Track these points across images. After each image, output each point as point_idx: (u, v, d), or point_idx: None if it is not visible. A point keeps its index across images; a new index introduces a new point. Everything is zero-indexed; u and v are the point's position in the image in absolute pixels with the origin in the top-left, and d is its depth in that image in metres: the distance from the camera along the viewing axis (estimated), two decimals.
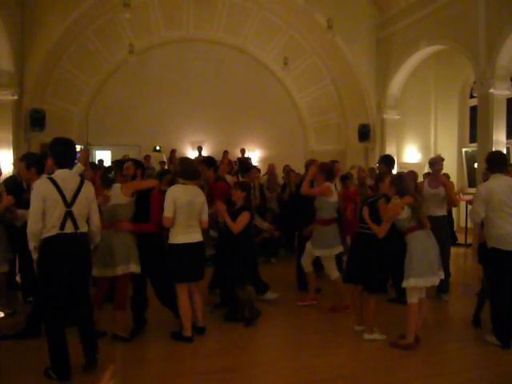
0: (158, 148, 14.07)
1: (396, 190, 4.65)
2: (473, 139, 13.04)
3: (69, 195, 3.80)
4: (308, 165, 6.48)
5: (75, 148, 4.05)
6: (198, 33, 14.74)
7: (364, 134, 13.98)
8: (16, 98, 11.56)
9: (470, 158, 13.03)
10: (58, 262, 3.75)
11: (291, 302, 6.16)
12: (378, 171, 6.61)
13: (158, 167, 11.90)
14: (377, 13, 13.80)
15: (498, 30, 9.91)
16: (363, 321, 4.99)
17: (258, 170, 10.40)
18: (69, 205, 3.78)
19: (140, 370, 4.20)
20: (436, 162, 6.33)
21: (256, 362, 4.45)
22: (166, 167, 11.77)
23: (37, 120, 12.09)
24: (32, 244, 3.76)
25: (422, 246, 4.50)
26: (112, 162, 7.01)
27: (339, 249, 5.83)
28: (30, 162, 4.89)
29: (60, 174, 3.84)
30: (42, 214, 3.72)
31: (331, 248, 5.74)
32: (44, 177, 4.01)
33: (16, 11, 11.44)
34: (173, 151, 13.63)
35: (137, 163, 5.28)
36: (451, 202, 6.29)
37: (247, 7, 14.23)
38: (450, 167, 13.00)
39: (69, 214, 3.78)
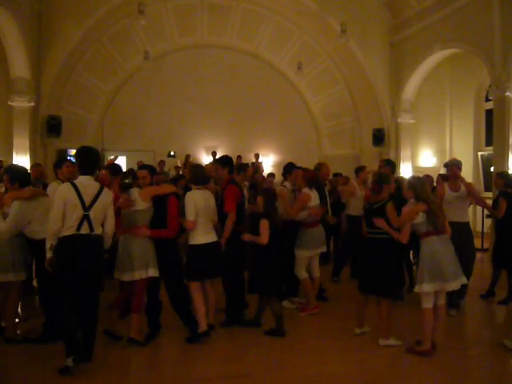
0: (172, 153, 14.17)
1: (414, 194, 4.59)
2: (489, 143, 12.89)
3: (88, 200, 4.13)
4: (317, 169, 6.56)
5: (98, 156, 4.50)
6: (212, 38, 14.83)
7: (378, 138, 13.90)
8: (33, 104, 11.75)
9: (486, 162, 12.88)
10: (73, 259, 4.07)
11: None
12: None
13: (172, 172, 11.98)
14: (390, 16, 13.75)
15: None
16: (363, 323, 5.04)
17: (272, 175, 10.43)
18: (86, 209, 4.11)
19: (153, 373, 4.22)
20: (448, 166, 6.27)
21: (269, 367, 4.42)
22: (180, 172, 11.84)
23: (53, 126, 12.26)
24: (49, 242, 4.08)
25: (433, 250, 4.46)
26: (128, 170, 7.06)
27: (319, 250, 6.01)
28: (13, 176, 4.83)
29: (81, 180, 4.20)
30: (62, 216, 4.06)
31: (311, 249, 5.89)
32: (67, 182, 4.30)
33: (33, 19, 11.63)
34: (187, 156, 13.72)
35: (151, 170, 5.26)
36: (478, 200, 6.34)
37: (260, 13, 14.29)
38: (465, 171, 12.75)
39: (86, 217, 4.11)
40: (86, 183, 4.19)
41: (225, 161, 5.59)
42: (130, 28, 13.46)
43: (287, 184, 6.43)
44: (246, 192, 7.18)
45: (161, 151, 13.85)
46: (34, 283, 6.24)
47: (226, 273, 5.31)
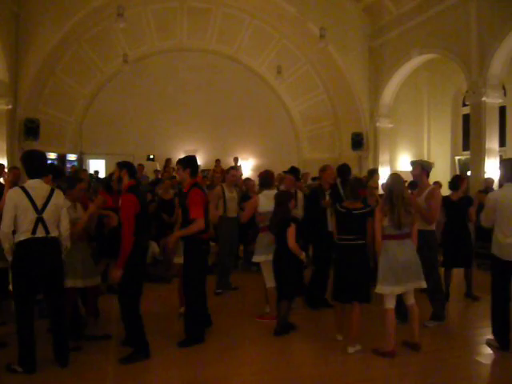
0: (151, 157, 14.07)
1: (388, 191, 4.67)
2: (466, 147, 13.15)
3: (39, 203, 4.16)
4: (322, 170, 6.41)
5: (45, 160, 4.59)
6: (192, 42, 14.81)
7: (357, 142, 14.04)
8: (10, 107, 11.53)
9: (463, 166, 13.13)
10: (30, 262, 4.11)
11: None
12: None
13: (152, 176, 11.91)
14: (369, 22, 13.92)
15: (490, 38, 10.03)
16: (343, 329, 4.95)
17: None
18: (39, 211, 4.14)
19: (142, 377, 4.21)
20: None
21: (252, 371, 4.39)
22: (159, 176, 11.77)
23: (31, 129, 12.05)
24: (6, 245, 4.13)
25: (391, 253, 4.53)
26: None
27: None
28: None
29: (31, 184, 4.23)
30: (13, 220, 4.09)
31: (265, 254, 5.63)
32: (17, 187, 4.33)
33: (11, 21, 11.44)
34: (168, 160, 13.63)
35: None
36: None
37: (240, 17, 14.31)
38: (443, 175, 13.12)
39: (40, 220, 4.15)
40: (36, 186, 4.22)
41: (186, 161, 5.03)
42: (109, 31, 13.33)
43: (283, 187, 6.37)
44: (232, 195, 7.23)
45: (140, 155, 13.73)
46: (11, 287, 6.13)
47: (187, 284, 5.00)
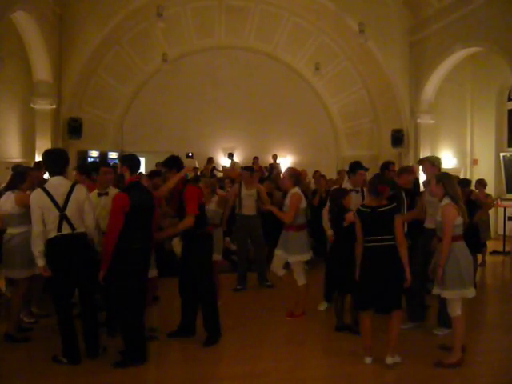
0: (190, 154, 14.24)
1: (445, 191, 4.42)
2: (511, 143, 12.70)
3: (60, 200, 4.24)
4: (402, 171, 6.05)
5: (66, 157, 4.52)
6: (230, 40, 14.88)
7: (397, 139, 13.76)
8: (54, 107, 11.93)
9: (509, 163, 12.68)
10: (60, 259, 4.25)
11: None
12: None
13: (190, 174, 12.05)
14: (409, 16, 13.60)
15: None
16: (371, 350, 4.48)
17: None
18: (61, 209, 4.23)
19: (159, 372, 4.29)
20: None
21: (279, 368, 4.42)
22: (198, 173, 11.90)
23: (74, 128, 12.42)
24: (36, 249, 4.22)
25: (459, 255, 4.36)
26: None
27: (310, 254, 5.90)
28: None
29: (52, 182, 4.35)
30: (41, 220, 4.21)
31: (303, 254, 5.78)
32: (38, 188, 4.39)
33: (54, 23, 11.82)
34: (209, 159, 13.90)
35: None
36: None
37: (278, 13, 14.28)
38: (487, 172, 12.73)
39: (63, 217, 4.23)
40: (56, 183, 4.31)
41: (171, 162, 5.03)
42: (148, 31, 13.57)
43: (348, 184, 6.13)
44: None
45: (179, 152, 13.84)
46: None
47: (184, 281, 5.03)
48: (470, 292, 4.34)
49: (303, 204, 5.81)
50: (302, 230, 5.79)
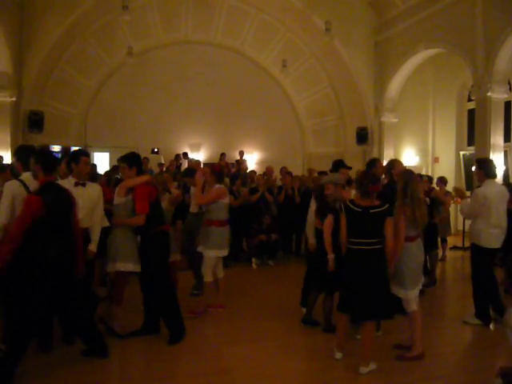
0: (156, 150, 14.08)
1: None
2: (471, 142, 13.09)
3: None
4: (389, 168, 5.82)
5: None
6: (197, 35, 14.76)
7: (362, 136, 13.99)
8: (14, 99, 11.57)
9: (468, 161, 13.06)
10: None
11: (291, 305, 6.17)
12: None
13: (156, 169, 11.92)
14: (375, 16, 13.82)
15: (496, 33, 9.93)
16: (343, 347, 4.48)
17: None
18: None
19: (133, 369, 4.22)
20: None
21: (242, 366, 4.43)
22: (164, 169, 11.78)
23: (35, 122, 12.08)
24: None
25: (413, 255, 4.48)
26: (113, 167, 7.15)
27: (227, 251, 5.90)
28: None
29: (27, 176, 4.36)
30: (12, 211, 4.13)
31: (221, 249, 5.77)
32: (14, 179, 4.43)
33: (15, 13, 11.44)
34: (177, 156, 13.68)
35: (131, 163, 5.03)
36: None
37: (246, 10, 14.25)
38: (448, 170, 13.08)
39: None
40: (29, 178, 4.33)
41: (132, 159, 4.96)
42: (113, 23, 13.30)
43: None
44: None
45: (145, 148, 13.73)
46: None
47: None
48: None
49: (227, 200, 5.82)
50: (224, 226, 5.79)
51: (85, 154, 4.89)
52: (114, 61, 14.16)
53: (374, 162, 5.97)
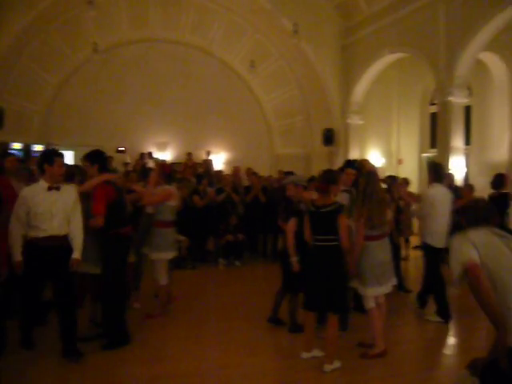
0: (121, 149, 13.87)
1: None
2: (433, 145, 13.43)
3: None
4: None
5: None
6: (165, 33, 14.62)
7: (328, 138, 14.17)
8: None
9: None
10: None
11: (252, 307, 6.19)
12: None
13: (121, 169, 11.74)
14: (341, 20, 14.02)
15: (457, 40, 10.24)
16: (311, 347, 4.53)
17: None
18: None
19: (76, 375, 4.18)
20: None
21: (205, 367, 4.43)
22: (129, 169, 11.62)
23: None
24: None
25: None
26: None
27: (173, 254, 5.71)
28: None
29: None
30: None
31: (168, 252, 5.61)
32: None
33: None
34: (142, 155, 13.49)
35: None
36: None
37: (214, 9, 14.21)
38: (411, 172, 13.38)
39: None
40: None
41: (94, 157, 4.82)
42: (78, 18, 13.00)
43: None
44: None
45: (110, 147, 13.49)
46: None
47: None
48: (382, 289, 4.56)
49: (174, 202, 5.69)
50: (169, 228, 5.65)
51: (59, 155, 4.46)
52: (78, 57, 13.88)
53: (347, 165, 5.86)
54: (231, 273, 8.61)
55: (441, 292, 5.70)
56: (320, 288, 4.26)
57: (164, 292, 5.73)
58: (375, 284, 4.51)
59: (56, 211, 4.30)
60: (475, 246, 2.63)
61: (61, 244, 4.31)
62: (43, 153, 4.96)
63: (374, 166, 5.86)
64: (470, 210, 2.96)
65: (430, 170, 5.97)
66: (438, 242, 5.68)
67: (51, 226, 4.28)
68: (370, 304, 4.54)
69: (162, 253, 5.57)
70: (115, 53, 14.29)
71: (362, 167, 5.63)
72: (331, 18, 13.92)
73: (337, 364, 4.27)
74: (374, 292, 4.53)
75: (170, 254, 5.67)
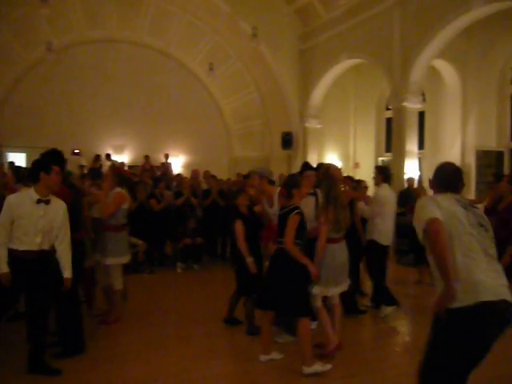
0: (76, 151, 13.52)
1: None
2: (388, 149, 13.76)
3: None
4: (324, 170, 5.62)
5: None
6: (122, 34, 14.39)
7: (287, 141, 14.28)
8: None
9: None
10: None
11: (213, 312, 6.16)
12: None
13: (77, 171, 11.44)
14: (300, 24, 14.19)
15: (412, 47, 10.55)
16: (270, 350, 4.51)
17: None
18: None
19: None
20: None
21: (167, 372, 4.36)
22: (85, 171, 11.35)
23: None
24: None
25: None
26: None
27: (127, 258, 5.58)
28: None
29: None
30: None
31: (122, 256, 5.45)
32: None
33: None
34: (97, 156, 13.21)
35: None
36: None
37: (172, 11, 14.09)
38: (368, 175, 13.62)
39: None
40: None
41: (52, 158, 4.39)
42: (32, 15, 12.59)
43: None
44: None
45: (65, 149, 13.05)
46: None
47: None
48: (328, 291, 4.60)
49: (126, 205, 5.56)
50: (121, 231, 5.49)
51: (59, 161, 4.19)
52: (31, 56, 13.45)
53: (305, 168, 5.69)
54: (190, 277, 8.52)
55: (381, 282, 6.06)
56: (274, 288, 4.26)
57: (119, 297, 5.60)
58: (331, 284, 4.58)
59: (41, 227, 4.01)
60: (439, 207, 2.73)
61: (39, 257, 4.04)
62: (42, 158, 4.44)
63: (338, 169, 5.85)
64: (438, 174, 3.03)
65: (379, 172, 6.32)
66: (384, 239, 6.03)
67: (33, 241, 3.98)
68: (318, 303, 4.59)
69: (117, 258, 5.42)
70: (71, 53, 13.95)
71: (326, 171, 5.45)
72: (290, 22, 14.06)
73: (317, 367, 4.19)
74: (329, 292, 4.61)
75: (125, 259, 5.53)
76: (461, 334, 2.61)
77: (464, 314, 2.59)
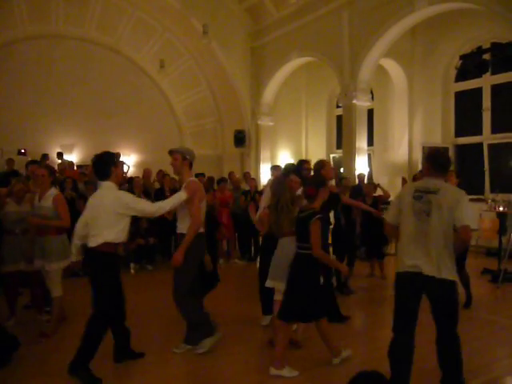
0: (22, 151, 13.03)
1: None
2: (339, 146, 14.04)
3: None
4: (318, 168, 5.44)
5: None
6: (68, 29, 13.93)
7: (240, 139, 14.31)
8: None
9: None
10: None
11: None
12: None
13: (24, 171, 11.05)
14: (251, 22, 14.23)
15: (360, 46, 10.81)
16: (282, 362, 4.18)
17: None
18: None
19: None
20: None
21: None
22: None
23: None
24: None
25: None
26: None
27: (69, 261, 4.87)
28: None
29: None
30: None
31: (64, 260, 5.08)
32: None
33: None
34: (44, 156, 12.72)
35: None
36: None
37: (121, 6, 13.80)
38: None
39: None
40: None
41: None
42: None
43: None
44: None
45: (9, 148, 12.64)
46: None
47: None
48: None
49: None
50: (62, 233, 5.23)
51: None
52: None
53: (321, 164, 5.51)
54: (143, 277, 8.42)
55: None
56: (299, 298, 4.09)
57: (58, 305, 5.27)
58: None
59: None
60: (400, 202, 3.61)
61: None
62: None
63: (331, 168, 5.81)
64: (429, 159, 3.59)
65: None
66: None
67: None
68: (279, 297, 4.55)
69: (59, 262, 5.12)
70: (14, 48, 13.37)
71: (321, 167, 5.36)
72: (241, 20, 14.08)
73: (294, 373, 4.11)
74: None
75: (67, 262, 5.00)
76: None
77: (396, 276, 3.62)
